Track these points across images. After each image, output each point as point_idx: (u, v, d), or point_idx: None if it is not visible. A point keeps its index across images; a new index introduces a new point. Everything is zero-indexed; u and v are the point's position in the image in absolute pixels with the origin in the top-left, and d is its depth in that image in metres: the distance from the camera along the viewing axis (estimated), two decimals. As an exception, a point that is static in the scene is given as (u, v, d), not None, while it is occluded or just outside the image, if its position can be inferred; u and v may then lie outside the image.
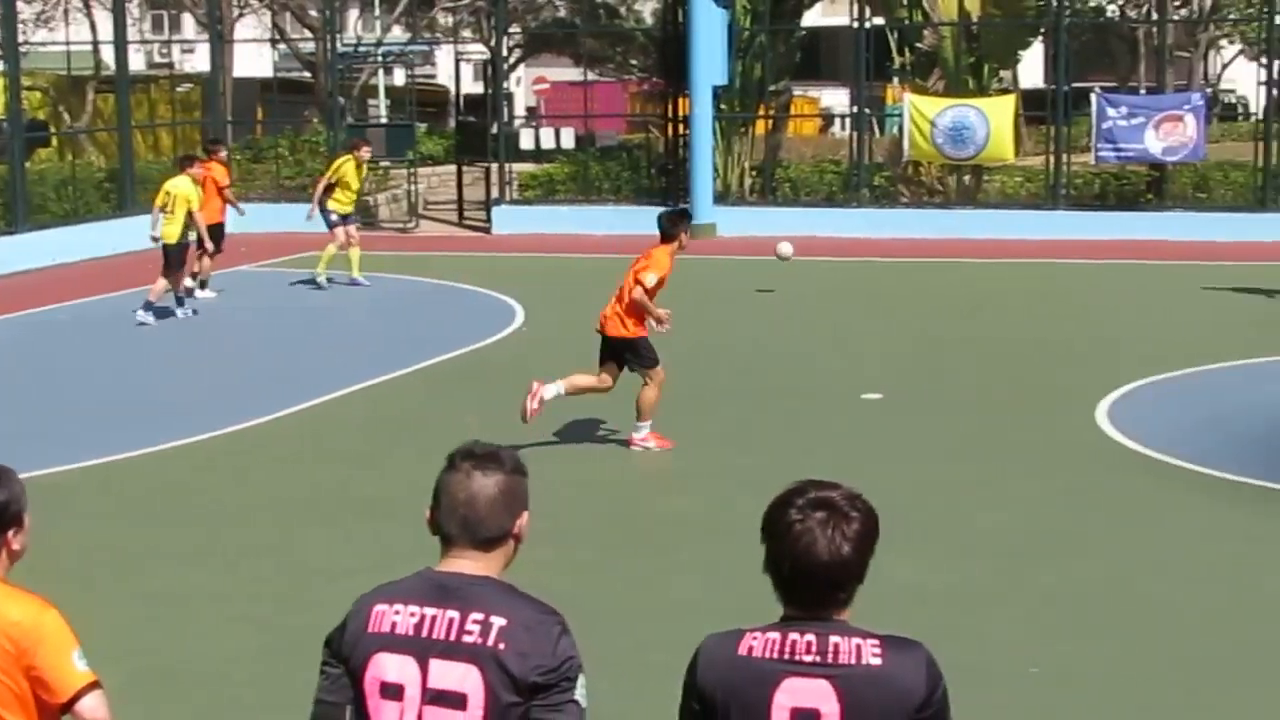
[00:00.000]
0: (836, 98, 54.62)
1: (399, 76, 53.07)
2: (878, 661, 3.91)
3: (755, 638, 3.98)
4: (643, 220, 30.16)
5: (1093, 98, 30.12)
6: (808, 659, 3.92)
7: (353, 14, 49.57)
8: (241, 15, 41.60)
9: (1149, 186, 31.01)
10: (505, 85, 37.07)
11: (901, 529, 11.47)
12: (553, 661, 4.03)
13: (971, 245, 27.43)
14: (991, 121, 29.16)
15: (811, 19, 38.65)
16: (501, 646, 4.01)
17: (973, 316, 21.25)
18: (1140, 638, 9.39)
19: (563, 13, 45.87)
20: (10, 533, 4.70)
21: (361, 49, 41.69)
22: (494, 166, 31.90)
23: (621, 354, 14.01)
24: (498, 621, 4.04)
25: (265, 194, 32.22)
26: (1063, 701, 8.53)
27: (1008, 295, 23.12)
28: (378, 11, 47.22)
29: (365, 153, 24.25)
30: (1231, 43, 61.21)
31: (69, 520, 11.65)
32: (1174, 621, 9.68)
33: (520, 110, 56.11)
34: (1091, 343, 19.06)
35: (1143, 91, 41.14)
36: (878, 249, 27.30)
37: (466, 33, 46.42)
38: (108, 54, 34.09)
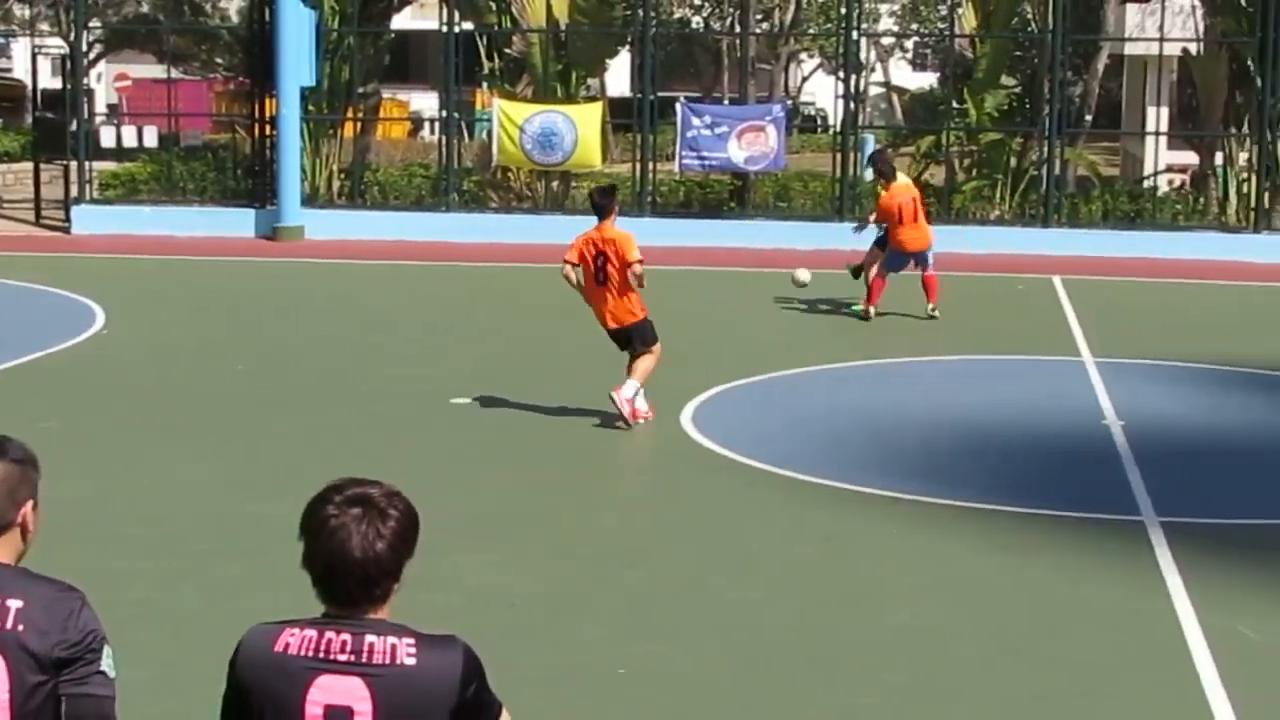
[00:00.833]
0: (426, 101, 54.50)
1: (-29, 70, 51.20)
2: (412, 661, 3.96)
3: (293, 634, 3.98)
4: (229, 221, 29.86)
5: (678, 107, 30.68)
6: (342, 658, 3.94)
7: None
8: None
9: (732, 195, 31.74)
10: (85, 81, 35.99)
11: (490, 531, 11.56)
12: (75, 636, 4.06)
13: (560, 251, 27.56)
14: (579, 128, 29.47)
15: (401, 22, 38.55)
16: (20, 628, 4.02)
17: (561, 321, 21.42)
18: (723, 636, 9.59)
19: (146, 8, 44.85)
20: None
21: (-71, 40, 40.10)
22: (73, 164, 30.98)
23: (629, 337, 14.76)
24: (14, 604, 4.05)
25: None
26: (650, 701, 8.66)
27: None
28: (-51, 2, 45.51)
29: None
30: (811, 56, 63.11)
31: None
32: (754, 620, 9.92)
33: (101, 107, 54.55)
34: (677, 348, 19.36)
35: (726, 102, 42.07)
36: (467, 253, 27.34)
37: (44, 26, 45.03)
38: None
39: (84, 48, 34.06)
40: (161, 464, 13.50)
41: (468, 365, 18.06)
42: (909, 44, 66.88)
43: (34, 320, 20.98)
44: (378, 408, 15.71)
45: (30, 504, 4.19)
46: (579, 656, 9.17)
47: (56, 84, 39.56)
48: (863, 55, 38.55)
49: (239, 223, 30.00)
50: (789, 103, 44.06)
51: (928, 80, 60.41)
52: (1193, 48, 32.37)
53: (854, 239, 22.40)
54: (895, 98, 54.49)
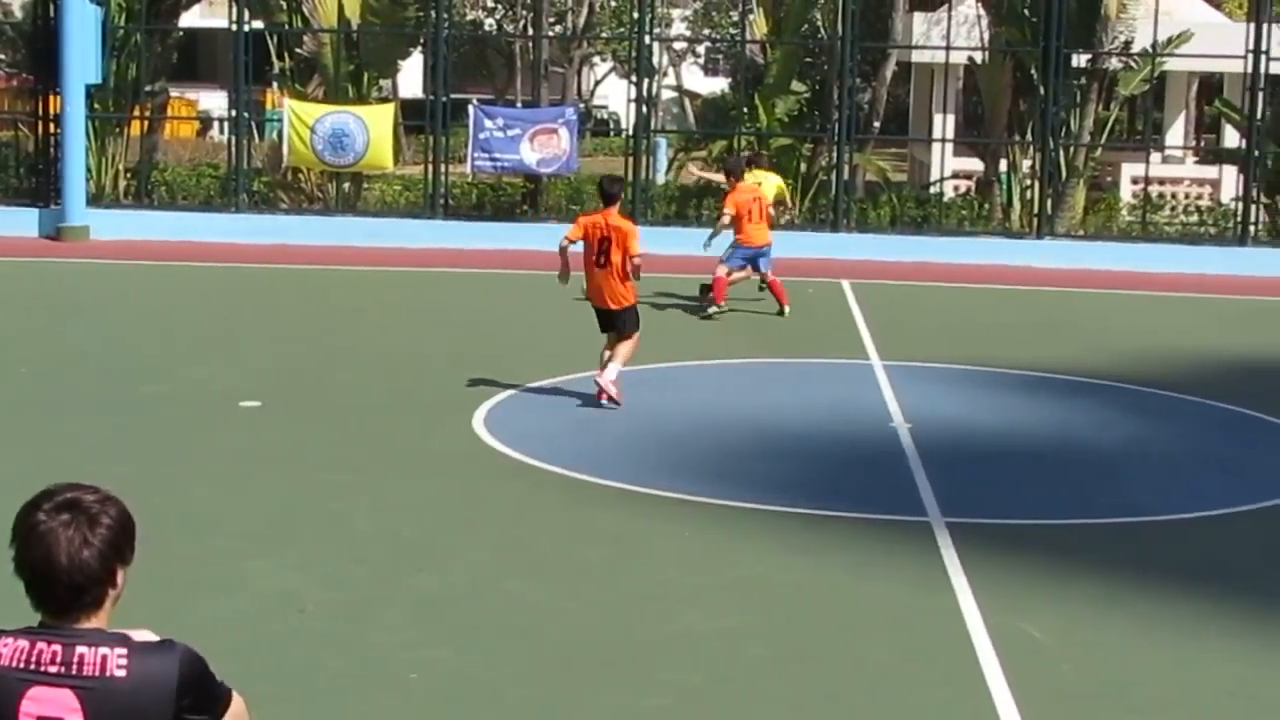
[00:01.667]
0: (215, 100, 53.81)
1: None
2: (123, 673, 3.88)
3: (6, 644, 3.90)
4: (12, 221, 29.22)
5: (470, 109, 30.61)
6: (53, 669, 3.87)
7: None
8: None
9: (525, 198, 31.75)
10: None
11: (283, 538, 11.45)
12: None
13: (352, 253, 27.46)
14: (371, 129, 29.28)
15: (190, 20, 38.04)
16: None
17: (353, 324, 21.29)
18: (513, 639, 9.58)
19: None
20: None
21: None
22: None
23: (616, 321, 15.81)
24: None
25: None
26: (440, 706, 8.62)
27: (388, 303, 23.25)
28: None
29: None
30: (604, 60, 63.30)
31: None
32: (545, 622, 9.92)
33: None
34: (470, 351, 19.35)
35: (519, 104, 42.04)
36: (257, 255, 27.03)
37: None
38: None
39: None
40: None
41: (258, 368, 17.85)
42: (701, 49, 67.33)
43: None
44: (166, 411, 15.47)
45: None
46: (369, 661, 9.11)
47: None
48: (655, 60, 38.79)
49: (22, 222, 29.36)
50: (582, 106, 44.20)
51: (719, 85, 60.85)
52: (978, 56, 32.97)
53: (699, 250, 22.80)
54: (687, 102, 54.84)
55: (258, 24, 31.88)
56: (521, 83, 49.25)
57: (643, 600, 10.43)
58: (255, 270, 25.86)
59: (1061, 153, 30.70)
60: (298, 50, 31.54)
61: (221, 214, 30.04)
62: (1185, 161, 40.02)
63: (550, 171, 30.12)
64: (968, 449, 14.97)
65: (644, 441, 14.92)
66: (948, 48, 32.05)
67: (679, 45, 61.98)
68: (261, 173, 31.86)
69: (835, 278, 26.03)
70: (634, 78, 31.74)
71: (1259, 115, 30.08)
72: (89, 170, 29.91)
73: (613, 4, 56.59)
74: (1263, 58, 29.60)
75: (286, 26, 31.48)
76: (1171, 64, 33.34)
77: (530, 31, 41.97)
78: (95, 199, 29.92)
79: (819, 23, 34.75)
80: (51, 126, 30.38)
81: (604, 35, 54.48)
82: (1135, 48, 31.51)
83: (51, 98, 30.33)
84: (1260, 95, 29.95)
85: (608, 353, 15.96)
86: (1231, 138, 36.94)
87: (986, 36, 32.68)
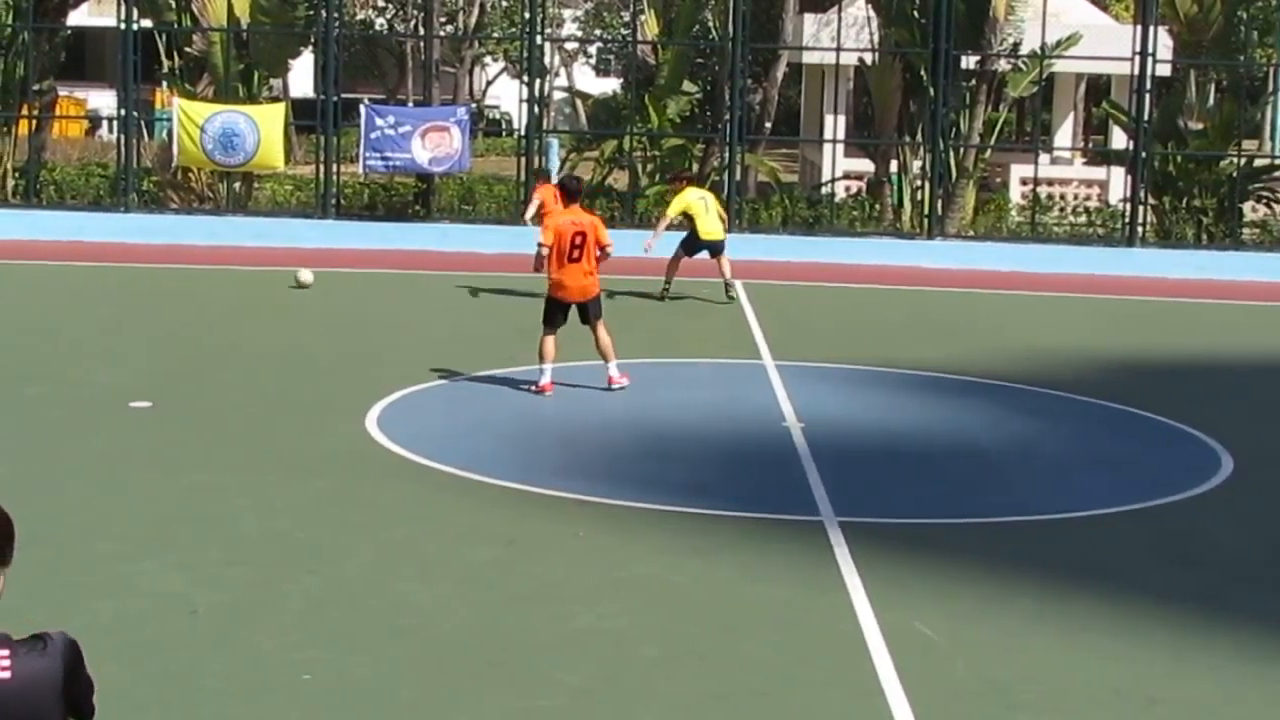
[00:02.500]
0: (104, 99, 53.31)
1: None
2: (7, 675, 3.87)
3: None
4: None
5: (361, 109, 30.48)
6: None
7: None
8: None
9: (417, 198, 31.65)
10: None
11: (170, 539, 11.33)
12: None
13: (243, 253, 27.28)
14: (262, 129, 29.13)
15: (78, 18, 37.69)
16: None
17: (243, 324, 21.13)
18: (403, 640, 9.53)
19: None
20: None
21: None
22: None
23: (590, 309, 16.70)
24: None
25: None
26: (328, 707, 8.56)
27: (279, 304, 23.09)
28: None
29: None
30: (496, 60, 63.22)
31: None
32: (435, 623, 9.88)
33: None
34: (363, 350, 19.25)
35: (410, 104, 41.90)
36: (147, 255, 26.79)
37: None
38: None
39: None
40: None
41: (147, 368, 17.68)
42: (592, 49, 67.36)
43: None
44: (52, 412, 15.30)
45: None
46: (259, 663, 9.04)
47: None
48: (547, 60, 38.76)
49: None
50: (473, 106, 44.08)
51: (611, 85, 60.91)
52: (868, 58, 33.15)
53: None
54: (579, 102, 54.88)
55: (146, 23, 31.64)
56: (413, 83, 49.14)
57: (534, 600, 10.40)
58: (145, 270, 25.61)
59: (951, 154, 30.96)
60: (187, 49, 31.32)
61: (111, 214, 29.79)
62: (1074, 163, 40.44)
63: (442, 170, 30.07)
64: (860, 449, 15.05)
65: (536, 441, 14.89)
66: (838, 49, 32.23)
67: (570, 46, 62.02)
68: (151, 172, 31.62)
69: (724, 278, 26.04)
70: (525, 78, 31.73)
71: (1146, 117, 30.43)
72: (-25, 169, 29.58)
73: (504, 4, 56.51)
74: (1149, 60, 29.96)
75: (175, 25, 31.25)
76: (1059, 65, 33.71)
77: (421, 31, 41.84)
78: (-18, 198, 29.61)
79: (710, 23, 34.86)
80: (-63, 125, 30.03)
81: (495, 35, 54.42)
82: (1023, 49, 31.81)
83: (-63, 97, 29.97)
84: (1147, 97, 30.32)
85: (550, 349, 16.63)
86: (1119, 139, 37.37)
87: (876, 38, 32.89)
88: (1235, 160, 31.72)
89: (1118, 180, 34.75)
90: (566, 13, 59.54)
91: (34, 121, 32.48)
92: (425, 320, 21.97)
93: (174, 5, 31.20)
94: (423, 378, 17.30)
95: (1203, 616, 10.47)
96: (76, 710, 4.01)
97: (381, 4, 58.04)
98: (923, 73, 30.73)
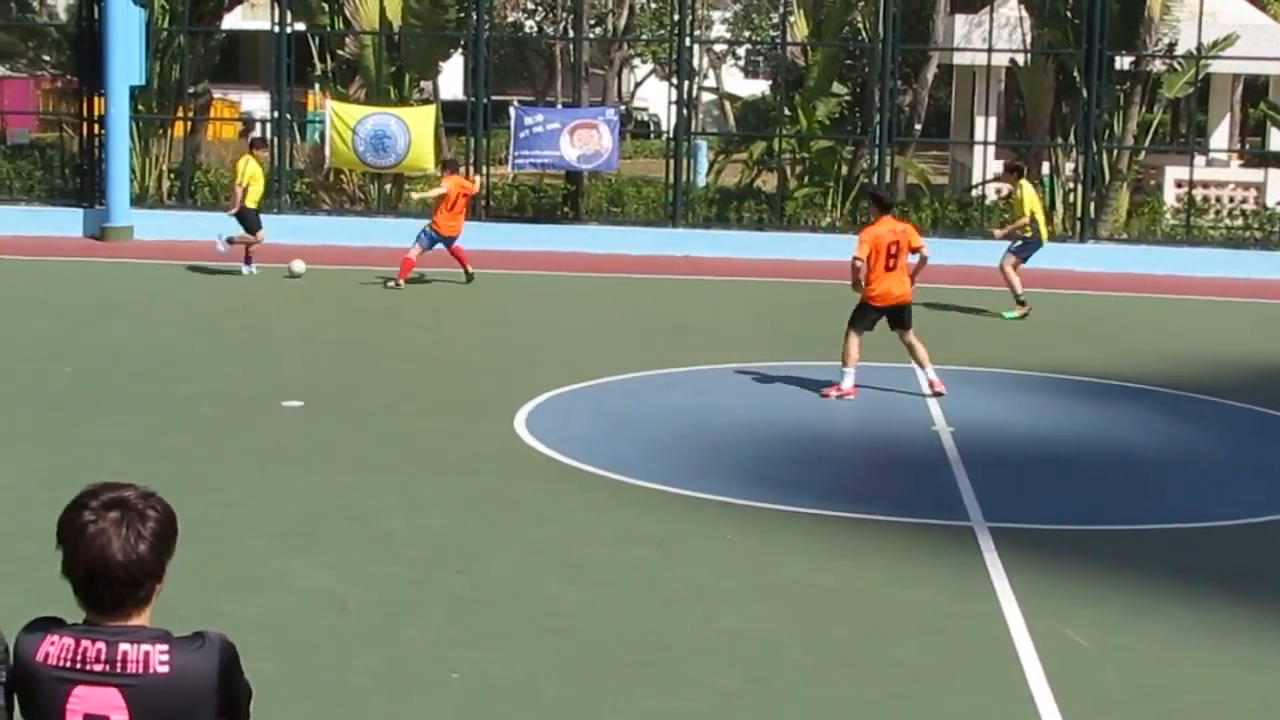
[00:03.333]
0: (257, 102, 53.98)
1: None
2: (165, 669, 3.92)
3: (53, 643, 3.96)
4: (57, 221, 29.38)
5: (511, 110, 30.64)
6: (97, 668, 3.92)
7: None
8: None
9: (566, 200, 31.75)
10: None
11: (320, 536, 11.45)
12: None
13: (394, 254, 27.45)
14: (412, 131, 29.35)
15: (232, 21, 38.20)
16: None
17: (394, 325, 21.32)
18: (552, 640, 9.56)
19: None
20: None
21: None
22: (-104, 162, 30.34)
23: (906, 314, 17.00)
24: None
25: None
26: (479, 706, 8.61)
27: (429, 305, 23.27)
28: None
29: None
30: (644, 62, 63.31)
31: None
32: (584, 623, 9.90)
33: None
34: (512, 352, 19.36)
35: (559, 106, 42.07)
36: (300, 256, 27.04)
37: None
38: None
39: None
40: (-19, 468, 13.22)
41: (300, 368, 17.89)
42: (741, 51, 67.30)
43: None
44: (208, 410, 15.51)
45: None
46: (408, 661, 9.10)
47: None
48: (695, 62, 38.75)
49: (67, 222, 29.57)
50: (622, 108, 44.16)
51: (759, 87, 60.80)
52: (1020, 58, 32.84)
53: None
54: (727, 104, 54.78)
55: (299, 26, 32.00)
56: (562, 85, 49.32)
57: (682, 602, 10.40)
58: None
59: (1104, 156, 30.58)
60: (339, 52, 31.64)
61: (264, 215, 30.12)
62: (1229, 165, 39.80)
63: (590, 167, 30.13)
64: (1010, 453, 14.90)
65: (684, 444, 14.88)
66: (989, 50, 31.94)
67: (719, 47, 61.96)
68: (304, 174, 31.95)
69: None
70: (674, 80, 31.72)
71: (1304, 118, 29.90)
72: (132, 171, 30.07)
73: (653, 6, 56.58)
74: (1308, 60, 29.44)
75: (328, 28, 31.58)
76: (1215, 66, 33.16)
77: (570, 33, 42.00)
78: (139, 199, 30.10)
79: (859, 25, 34.65)
80: (96, 128, 30.57)
81: (644, 38, 54.47)
82: (1179, 50, 31.34)
83: (96, 99, 30.52)
84: (1305, 98, 29.78)
85: (855, 351, 16.94)
86: (1276, 140, 36.74)
87: (1028, 39, 32.55)
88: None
89: (1275, 183, 34.16)
90: (715, 14, 59.47)
91: (189, 124, 32.98)
92: (573, 321, 22.04)
93: (326, 8, 31.53)
94: (570, 379, 17.36)
95: (1362, 627, 10.27)
96: (230, 713, 4.05)
97: (531, 6, 58.33)
98: (1075, 73, 30.38)
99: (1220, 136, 40.69)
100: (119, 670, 3.90)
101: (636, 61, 62.81)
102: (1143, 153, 32.29)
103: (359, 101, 30.65)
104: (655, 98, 60.29)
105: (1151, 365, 19.36)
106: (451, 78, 47.74)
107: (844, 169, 31.92)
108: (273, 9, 30.61)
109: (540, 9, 58.11)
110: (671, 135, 31.71)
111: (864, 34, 34.43)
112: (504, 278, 25.90)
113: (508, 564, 11.08)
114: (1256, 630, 10.13)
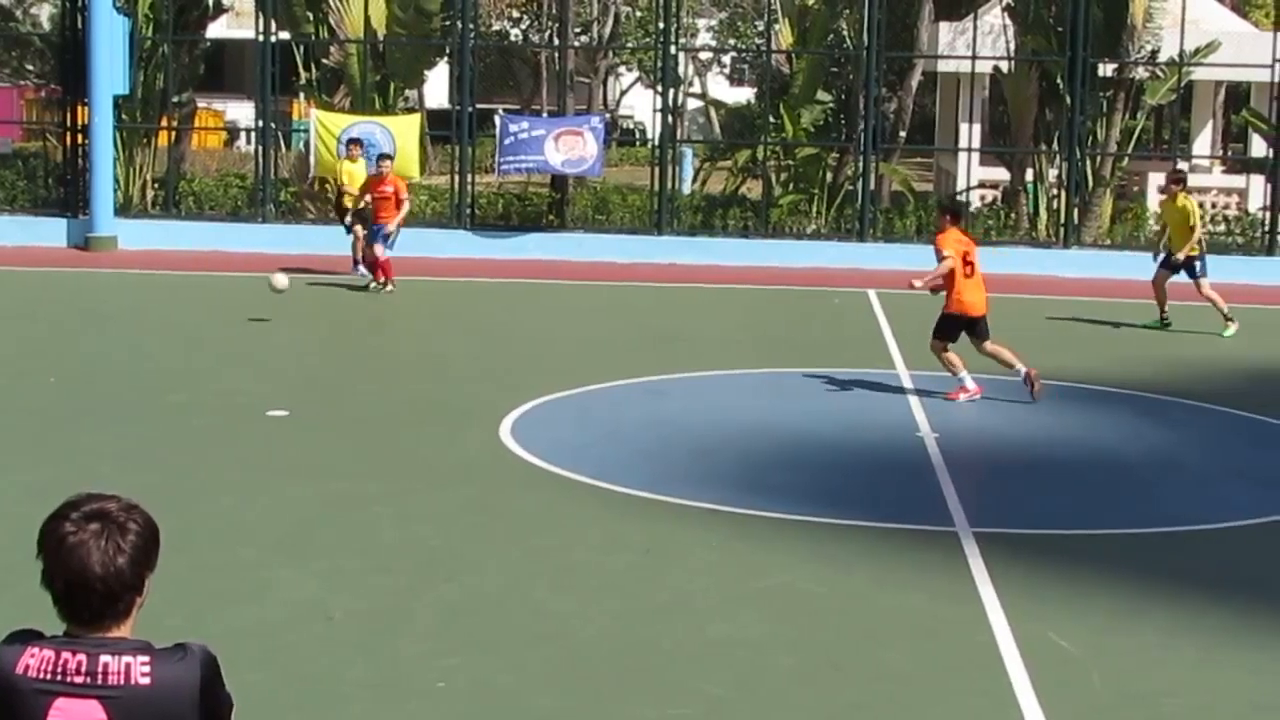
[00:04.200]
0: (242, 111, 53.97)
1: None
2: (146, 681, 3.90)
3: (34, 655, 3.93)
4: (41, 231, 29.36)
5: (496, 117, 30.67)
6: (78, 679, 3.90)
7: None
8: None
9: (551, 208, 31.78)
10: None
11: (309, 546, 11.47)
12: None
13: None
14: (397, 140, 29.35)
15: (216, 31, 38.14)
16: None
17: (379, 334, 21.33)
18: (541, 648, 9.58)
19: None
20: None
21: None
22: (-121, 173, 30.28)
23: (981, 324, 17.27)
24: None
25: None
26: (467, 715, 8.63)
27: (414, 313, 23.29)
28: None
29: None
30: (630, 70, 63.34)
31: None
32: (573, 631, 9.93)
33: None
34: (496, 360, 19.38)
35: (545, 114, 42.10)
36: (284, 265, 27.03)
37: None
38: None
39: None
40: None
41: (285, 378, 17.90)
42: (726, 59, 67.36)
43: None
44: (194, 421, 15.52)
45: None
46: (398, 670, 9.12)
47: None
48: (680, 70, 38.80)
49: (51, 232, 29.54)
50: (607, 116, 44.19)
51: (745, 95, 60.87)
52: (1004, 66, 32.92)
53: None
54: (713, 112, 54.85)
55: (284, 35, 32.00)
56: (548, 93, 49.35)
57: (671, 609, 10.43)
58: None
59: (1088, 162, 30.67)
60: (324, 61, 31.66)
61: (248, 224, 30.16)
62: (1212, 171, 39.92)
63: (575, 173, 30.15)
64: (994, 459, 14.96)
65: (671, 451, 14.92)
66: (974, 57, 32.01)
67: (704, 55, 62.02)
68: (288, 183, 31.96)
69: (861, 287, 26.02)
70: (659, 88, 31.76)
71: (1286, 124, 29.98)
72: (117, 180, 30.06)
73: (638, 14, 56.64)
74: (1290, 67, 29.52)
75: (313, 37, 31.59)
76: (1198, 73, 33.29)
77: (556, 42, 42.01)
78: (123, 209, 30.08)
79: (844, 32, 34.73)
80: (80, 137, 30.54)
81: (629, 45, 54.54)
82: (1162, 57, 31.43)
83: (79, 108, 30.48)
84: (1288, 104, 29.87)
85: (955, 358, 17.16)
86: (1259, 147, 36.84)
87: (1012, 46, 32.64)
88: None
89: (1257, 188, 34.26)
90: (700, 22, 59.58)
91: (173, 133, 32.96)
92: (558, 329, 22.06)
93: (311, 17, 31.53)
94: (556, 386, 17.38)
95: (1346, 631, 10.32)
96: None
97: (516, 15, 58.37)
98: (1059, 81, 30.45)
99: (1203, 143, 40.80)
100: (100, 682, 3.88)
101: (622, 69, 62.86)
102: (1126, 159, 32.39)
103: (344, 110, 30.67)
104: (641, 105, 60.39)
105: (1135, 370, 19.43)
106: (437, 86, 47.80)
107: (829, 176, 31.98)
108: (257, 18, 30.62)
109: (525, 17, 58.14)
110: (657, 143, 31.75)
111: (849, 41, 34.49)
112: (489, 286, 25.92)
113: (496, 572, 11.11)
114: (1243, 633, 10.18)
